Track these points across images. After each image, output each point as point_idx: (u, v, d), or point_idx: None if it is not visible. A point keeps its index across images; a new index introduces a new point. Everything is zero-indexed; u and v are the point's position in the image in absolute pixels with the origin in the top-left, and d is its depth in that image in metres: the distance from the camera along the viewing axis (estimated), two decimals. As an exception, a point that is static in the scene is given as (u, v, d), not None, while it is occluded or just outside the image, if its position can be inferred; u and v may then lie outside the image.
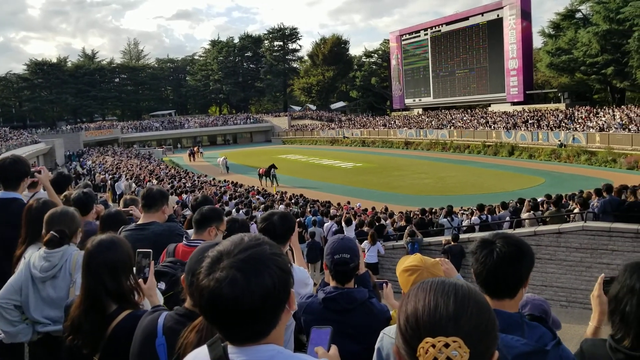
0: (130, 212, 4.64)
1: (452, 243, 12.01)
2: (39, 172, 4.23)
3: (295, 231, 3.15)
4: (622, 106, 41.00)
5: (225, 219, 3.61)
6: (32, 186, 4.37)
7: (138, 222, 3.96)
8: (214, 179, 31.60)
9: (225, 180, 30.56)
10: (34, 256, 3.08)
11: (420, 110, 63.44)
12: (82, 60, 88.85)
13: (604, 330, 2.09)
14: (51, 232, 3.01)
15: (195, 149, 54.55)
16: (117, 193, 23.42)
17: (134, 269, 2.50)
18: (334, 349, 1.58)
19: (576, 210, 11.38)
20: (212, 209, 3.50)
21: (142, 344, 2.04)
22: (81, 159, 46.82)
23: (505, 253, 1.88)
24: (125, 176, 28.24)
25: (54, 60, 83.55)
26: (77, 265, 3.00)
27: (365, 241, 12.83)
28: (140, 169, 35.66)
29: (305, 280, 3.04)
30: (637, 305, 1.77)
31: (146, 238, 3.58)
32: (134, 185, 24.00)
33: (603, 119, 36.38)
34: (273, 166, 32.95)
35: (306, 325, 2.60)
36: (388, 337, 2.18)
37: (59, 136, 55.65)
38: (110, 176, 28.50)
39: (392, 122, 59.81)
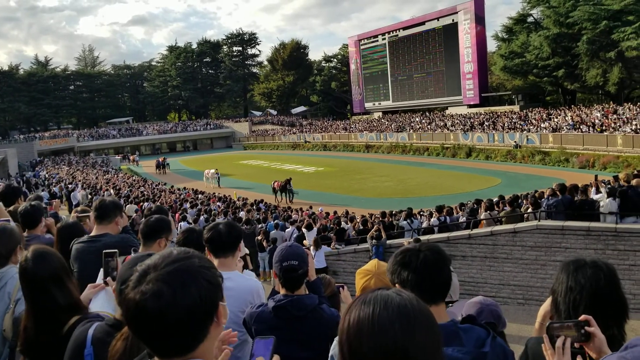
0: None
1: (415, 247, 12.04)
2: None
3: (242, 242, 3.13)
4: (574, 107, 42.43)
5: (175, 230, 3.54)
6: (-23, 201, 4.22)
7: (90, 234, 3.87)
8: (172, 186, 31.13)
9: (184, 188, 30.15)
10: None
11: (380, 114, 64.15)
12: (35, 68, 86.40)
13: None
14: None
15: (162, 159, 50.31)
16: (74, 203, 22.81)
17: (102, 270, 2.59)
18: (276, 359, 1.58)
19: (529, 210, 11.69)
20: (160, 220, 3.42)
21: (71, 353, 2.10)
22: (35, 169, 45.41)
23: (437, 258, 1.94)
24: (82, 186, 27.54)
25: (5, 67, 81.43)
26: (19, 288, 2.90)
27: (311, 247, 12.84)
28: (96, 177, 34.86)
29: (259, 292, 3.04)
30: (564, 294, 1.93)
31: (98, 250, 3.49)
32: (90, 195, 23.40)
33: (556, 119, 37.54)
34: (289, 180, 29.76)
35: (257, 335, 2.59)
36: None
37: (12, 146, 53.79)
38: (65, 186, 27.72)
39: (353, 126, 60.28)
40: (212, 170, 37.27)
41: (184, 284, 1.19)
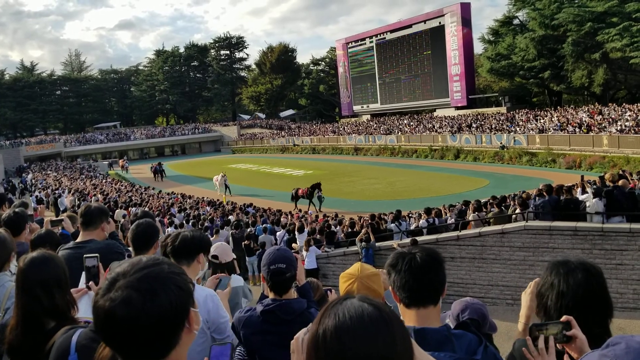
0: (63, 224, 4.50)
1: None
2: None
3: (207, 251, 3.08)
4: (560, 108, 42.80)
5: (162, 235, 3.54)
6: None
7: (76, 241, 3.85)
8: (160, 191, 30.94)
9: (173, 192, 29.98)
10: None
11: (369, 117, 64.25)
12: (21, 73, 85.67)
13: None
14: None
15: (157, 164, 46.50)
16: (61, 209, 22.63)
17: (84, 274, 2.60)
18: None
19: (517, 211, 11.76)
20: (151, 226, 3.42)
21: None
22: (22, 175, 44.95)
23: (426, 260, 1.93)
24: (69, 191, 27.33)
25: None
26: (9, 296, 2.87)
27: (302, 248, 12.94)
28: (84, 183, 34.59)
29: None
30: (555, 299, 1.93)
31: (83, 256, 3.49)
32: (77, 200, 23.23)
33: (542, 121, 37.84)
34: (318, 186, 25.70)
35: (245, 339, 2.58)
36: None
37: (-2, 152, 53.28)
38: (52, 192, 27.48)
39: (342, 129, 60.35)
40: (219, 176, 33.27)
41: (153, 291, 1.18)
